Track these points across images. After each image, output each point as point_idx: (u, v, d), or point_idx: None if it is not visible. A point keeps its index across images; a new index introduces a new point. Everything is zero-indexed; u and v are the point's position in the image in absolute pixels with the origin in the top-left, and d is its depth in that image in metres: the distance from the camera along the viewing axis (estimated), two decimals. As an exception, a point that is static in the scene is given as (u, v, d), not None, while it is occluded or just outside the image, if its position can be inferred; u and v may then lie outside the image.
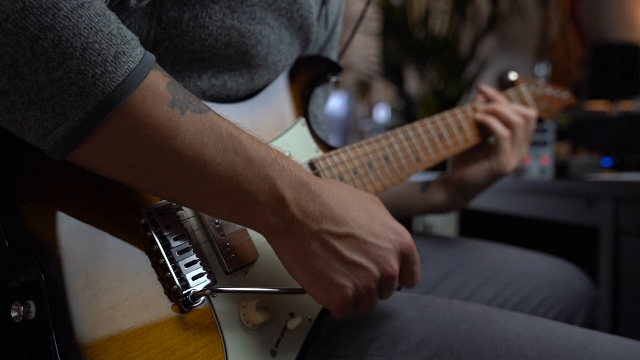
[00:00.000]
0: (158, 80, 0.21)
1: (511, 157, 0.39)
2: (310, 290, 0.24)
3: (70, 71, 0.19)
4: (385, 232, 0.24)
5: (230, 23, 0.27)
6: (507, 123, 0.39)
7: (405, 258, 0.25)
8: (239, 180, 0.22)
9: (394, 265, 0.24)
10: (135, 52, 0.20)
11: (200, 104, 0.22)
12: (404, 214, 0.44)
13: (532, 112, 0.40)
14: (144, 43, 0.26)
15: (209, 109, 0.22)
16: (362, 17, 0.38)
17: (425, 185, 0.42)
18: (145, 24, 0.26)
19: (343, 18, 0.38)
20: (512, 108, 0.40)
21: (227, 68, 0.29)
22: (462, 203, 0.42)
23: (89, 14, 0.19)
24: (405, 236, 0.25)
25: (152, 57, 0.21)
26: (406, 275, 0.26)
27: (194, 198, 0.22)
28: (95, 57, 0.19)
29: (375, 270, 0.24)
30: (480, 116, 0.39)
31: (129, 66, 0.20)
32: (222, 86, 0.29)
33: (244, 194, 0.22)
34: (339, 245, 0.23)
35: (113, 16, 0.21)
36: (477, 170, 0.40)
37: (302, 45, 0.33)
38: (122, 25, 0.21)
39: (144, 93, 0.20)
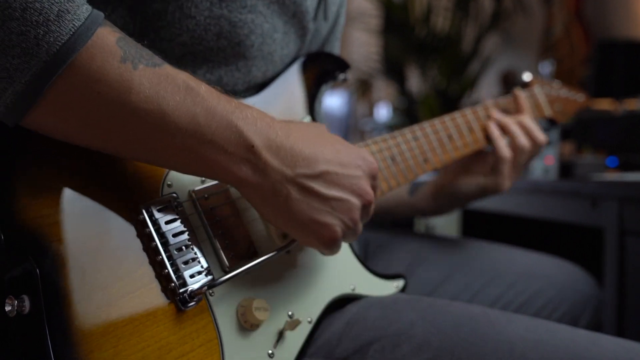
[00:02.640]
0: (107, 37, 0.20)
1: (507, 179, 0.38)
2: (298, 235, 0.24)
3: (10, 33, 0.18)
4: (353, 160, 0.25)
5: (219, 12, 0.26)
6: (514, 145, 0.38)
7: (373, 178, 0.26)
8: (202, 132, 0.21)
9: (369, 189, 0.25)
10: (81, 9, 0.20)
11: (153, 57, 0.22)
12: (389, 218, 0.43)
13: (543, 139, 0.39)
14: (130, 37, 0.26)
15: (164, 62, 0.22)
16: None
17: (413, 189, 0.42)
18: (129, 18, 0.25)
19: (345, 10, 0.38)
20: (526, 128, 0.38)
21: (222, 62, 0.28)
22: (448, 211, 0.42)
23: None
24: (369, 157, 0.25)
25: (99, 15, 0.21)
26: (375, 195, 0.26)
27: (158, 154, 0.22)
28: (36, 17, 0.18)
29: (355, 199, 0.24)
30: (489, 126, 0.38)
31: (73, 24, 0.19)
32: (218, 81, 0.28)
33: (209, 145, 0.21)
34: (316, 185, 0.23)
35: None
36: (469, 184, 0.39)
37: (299, 35, 0.32)
38: None
39: (92, 50, 0.20)
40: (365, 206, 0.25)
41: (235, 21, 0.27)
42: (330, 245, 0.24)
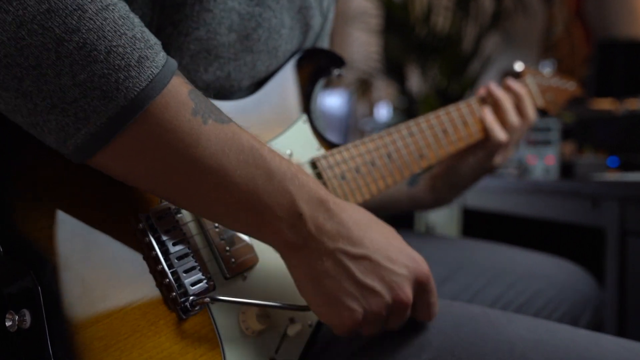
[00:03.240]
0: (180, 87, 0.21)
1: (498, 157, 0.39)
2: (318, 310, 0.23)
3: (93, 75, 0.19)
4: (402, 258, 0.24)
5: (231, 5, 0.26)
6: (506, 123, 0.38)
7: (420, 287, 0.24)
8: (258, 194, 0.22)
9: (408, 292, 0.23)
10: (159, 56, 0.20)
11: (221, 114, 0.22)
12: (389, 211, 0.43)
13: (532, 116, 0.39)
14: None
15: (230, 120, 0.22)
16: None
17: (413, 180, 0.42)
18: (148, 9, 0.25)
19: (335, 5, 0.37)
20: (520, 102, 0.38)
21: (232, 58, 0.28)
22: (449, 199, 0.42)
23: (114, 16, 0.19)
24: (422, 264, 0.24)
25: (174, 63, 0.21)
26: (422, 306, 0.25)
27: (212, 208, 0.22)
28: (119, 61, 0.19)
29: (387, 296, 0.23)
30: (484, 114, 0.38)
31: (152, 71, 0.20)
32: (227, 77, 0.29)
33: (262, 207, 0.22)
34: (353, 266, 0.23)
35: (137, 19, 0.20)
36: (462, 166, 0.39)
37: (302, 31, 0.32)
38: (145, 29, 0.20)
39: (166, 99, 0.20)
40: (397, 307, 0.23)
41: (243, 13, 0.27)
42: (345, 331, 0.23)
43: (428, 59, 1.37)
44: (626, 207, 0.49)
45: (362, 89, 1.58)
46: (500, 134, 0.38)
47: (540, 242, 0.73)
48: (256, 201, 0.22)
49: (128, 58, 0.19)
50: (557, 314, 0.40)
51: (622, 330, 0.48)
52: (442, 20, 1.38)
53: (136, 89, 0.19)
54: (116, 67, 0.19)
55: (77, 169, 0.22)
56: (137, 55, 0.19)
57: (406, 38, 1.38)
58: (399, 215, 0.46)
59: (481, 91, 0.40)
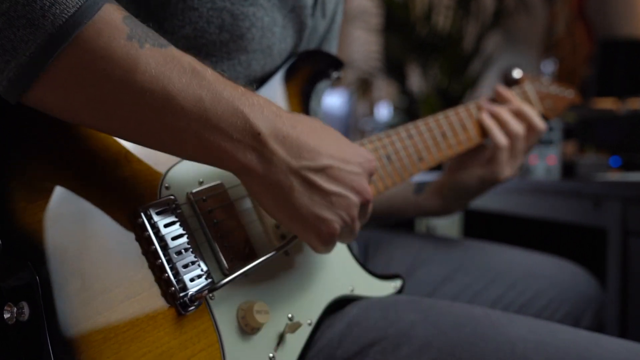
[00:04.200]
0: (114, 13, 0.20)
1: (506, 167, 0.38)
2: (297, 229, 0.24)
3: (17, 3, 0.18)
4: (355, 157, 0.24)
5: (221, 5, 0.26)
6: (507, 132, 0.38)
7: (371, 177, 0.26)
8: (207, 116, 0.21)
9: (368, 188, 0.25)
10: None
11: (159, 38, 0.21)
12: (395, 217, 0.43)
13: (541, 126, 0.38)
14: None
15: (169, 44, 0.21)
16: None
17: (419, 188, 0.42)
18: (133, 9, 0.25)
19: (343, 7, 0.37)
20: (519, 113, 0.38)
21: (224, 57, 0.28)
22: (455, 208, 0.41)
23: None
24: (370, 155, 0.25)
25: None
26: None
27: (161, 137, 0.21)
28: None
29: (354, 197, 0.24)
30: (482, 118, 0.38)
31: None
32: None
33: (214, 130, 0.21)
34: (319, 179, 0.23)
35: None
36: (469, 176, 0.39)
37: (296, 30, 0.32)
38: None
39: (98, 25, 0.19)
40: (364, 205, 0.25)
41: (237, 14, 0.27)
42: (327, 241, 0.24)
43: (429, 58, 1.36)
44: (628, 208, 0.49)
45: (363, 89, 1.58)
46: (500, 137, 0.38)
47: (542, 242, 0.73)
48: (207, 125, 0.20)
49: None
50: (559, 314, 0.40)
51: (624, 330, 0.48)
52: (442, 19, 1.38)
53: (64, 15, 0.18)
54: None
55: (77, 162, 0.21)
56: None
57: (407, 37, 1.38)
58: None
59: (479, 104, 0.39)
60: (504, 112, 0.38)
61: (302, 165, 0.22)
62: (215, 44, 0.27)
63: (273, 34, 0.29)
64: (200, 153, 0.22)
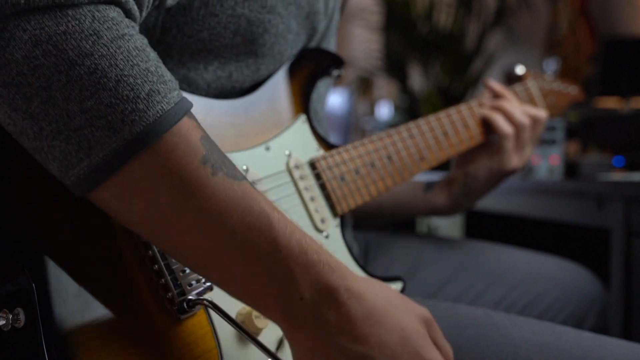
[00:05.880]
0: (192, 130, 0.20)
1: (513, 156, 0.38)
2: None
3: (101, 103, 0.18)
4: (415, 351, 0.21)
5: (240, 11, 0.26)
6: (512, 121, 0.37)
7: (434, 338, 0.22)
8: (256, 264, 0.20)
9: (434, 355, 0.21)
10: (172, 94, 0.19)
11: (235, 170, 0.21)
12: (405, 215, 0.42)
13: (542, 114, 0.39)
14: (151, 31, 0.25)
15: (244, 177, 0.21)
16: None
17: (429, 186, 0.41)
18: (154, 10, 0.25)
19: (340, 4, 0.37)
20: (521, 108, 0.38)
21: (233, 59, 0.28)
22: (465, 206, 0.41)
23: (128, 46, 0.19)
24: (423, 312, 0.22)
25: (188, 103, 0.20)
26: None
27: (205, 266, 0.21)
28: (127, 92, 0.18)
29: None
30: (485, 111, 0.38)
31: (162, 107, 0.19)
32: (228, 77, 0.28)
33: (258, 279, 0.20)
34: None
35: (153, 54, 0.20)
36: (477, 169, 0.38)
37: (308, 35, 0.31)
38: (161, 65, 0.20)
39: (175, 139, 0.19)
40: None
41: (254, 20, 0.27)
42: None
43: (430, 57, 1.35)
44: (632, 208, 0.49)
45: (363, 87, 1.57)
46: (505, 126, 0.37)
47: (544, 242, 0.72)
48: (253, 271, 0.20)
49: (138, 90, 0.18)
50: (562, 315, 0.40)
51: (628, 332, 0.48)
52: (444, 17, 1.37)
53: (143, 122, 0.18)
54: (124, 98, 0.18)
55: None
56: (148, 88, 0.19)
57: (408, 35, 1.37)
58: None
59: (485, 94, 0.39)
60: (506, 104, 0.38)
61: (337, 342, 0.20)
62: (226, 47, 0.27)
63: (286, 41, 0.29)
64: (241, 294, 0.21)
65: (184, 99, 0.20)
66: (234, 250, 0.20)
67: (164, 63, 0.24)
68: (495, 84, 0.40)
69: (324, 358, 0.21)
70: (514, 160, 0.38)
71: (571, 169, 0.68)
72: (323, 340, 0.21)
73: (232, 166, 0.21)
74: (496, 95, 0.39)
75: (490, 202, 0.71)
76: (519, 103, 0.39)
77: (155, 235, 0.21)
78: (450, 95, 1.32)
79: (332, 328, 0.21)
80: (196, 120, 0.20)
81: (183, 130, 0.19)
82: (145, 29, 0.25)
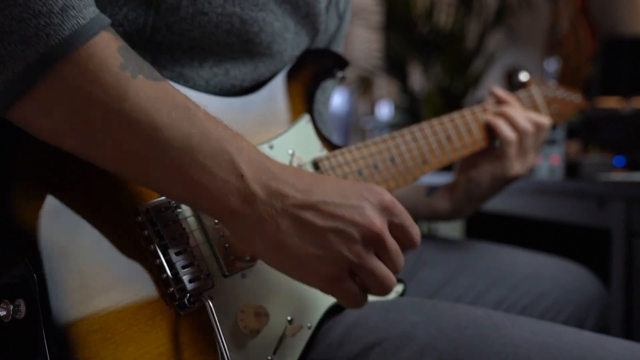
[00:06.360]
0: (109, 42, 0.20)
1: (515, 162, 0.38)
2: (297, 274, 0.22)
3: (11, 19, 0.18)
4: (358, 191, 0.22)
5: (231, 10, 0.26)
6: (515, 127, 0.37)
7: (387, 212, 0.22)
8: (193, 153, 0.20)
9: (373, 219, 0.22)
10: (87, 10, 0.19)
11: (154, 72, 0.21)
12: None
13: (545, 121, 0.38)
14: (141, 32, 0.25)
15: (164, 79, 0.21)
16: None
17: (431, 190, 0.41)
18: (142, 11, 0.25)
19: (351, 6, 0.37)
20: (524, 114, 0.38)
21: (228, 56, 0.28)
22: (468, 211, 0.40)
23: None
24: (381, 190, 0.23)
25: (106, 19, 0.20)
26: (398, 232, 0.23)
27: (145, 171, 0.21)
28: (39, 7, 0.18)
29: (353, 230, 0.21)
30: (488, 117, 0.38)
31: (77, 21, 0.19)
32: (225, 74, 0.28)
33: (200, 169, 0.20)
34: (310, 215, 0.21)
35: None
36: (480, 174, 0.38)
37: (310, 36, 0.32)
38: None
39: (91, 50, 0.19)
40: (370, 238, 0.21)
41: (246, 19, 0.26)
42: (333, 285, 0.21)
43: (430, 57, 1.35)
44: (633, 208, 0.49)
45: (363, 87, 1.57)
46: (508, 131, 0.37)
47: (545, 243, 0.72)
48: (193, 162, 0.20)
49: (51, 5, 0.18)
50: (562, 316, 0.40)
51: (628, 332, 0.48)
52: (444, 17, 1.37)
53: (58, 36, 0.18)
54: (37, 12, 0.18)
55: (77, 160, 0.21)
56: (62, 3, 0.18)
57: (408, 35, 1.37)
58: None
59: (489, 99, 0.39)
60: (510, 110, 0.38)
61: (288, 203, 0.21)
62: (220, 45, 0.27)
63: (284, 40, 0.29)
64: (183, 191, 0.21)
65: (101, 15, 0.20)
66: (167, 145, 0.20)
67: (157, 61, 0.25)
68: (499, 90, 0.40)
69: (287, 228, 0.21)
70: (516, 166, 0.37)
71: (572, 168, 0.68)
72: (277, 211, 0.21)
73: (152, 69, 0.21)
74: (500, 101, 0.39)
75: (491, 202, 0.70)
76: (522, 109, 0.39)
77: (82, 148, 0.20)
78: (450, 95, 1.32)
79: (278, 195, 0.21)
80: (115, 35, 0.20)
81: (100, 43, 0.19)
82: (135, 30, 0.25)
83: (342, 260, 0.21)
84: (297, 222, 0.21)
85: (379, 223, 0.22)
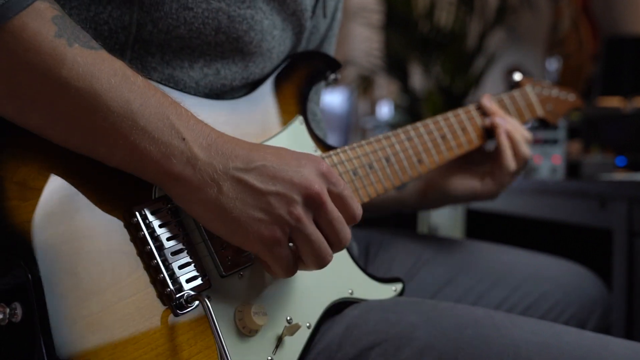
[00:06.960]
0: (44, 11, 0.20)
1: (503, 188, 0.38)
2: (236, 238, 0.22)
3: None
4: (297, 158, 0.23)
5: (216, 6, 0.26)
6: (517, 152, 0.37)
7: (326, 179, 0.23)
8: (134, 118, 0.20)
9: (313, 181, 0.22)
10: None
11: (91, 41, 0.21)
12: (375, 214, 0.42)
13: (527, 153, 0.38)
14: (127, 29, 0.25)
15: (101, 47, 0.22)
16: None
17: (401, 185, 0.41)
18: (127, 8, 0.25)
19: (342, 4, 0.37)
20: (525, 136, 0.37)
21: (219, 56, 0.27)
22: (437, 207, 0.41)
23: None
24: (319, 159, 0.23)
25: None
26: (338, 203, 0.23)
27: (87, 138, 0.21)
28: None
29: (293, 192, 0.22)
30: (498, 133, 0.37)
31: None
32: (216, 75, 0.28)
33: (141, 133, 0.21)
34: (251, 178, 0.21)
35: None
36: (461, 185, 0.38)
37: (295, 32, 0.31)
38: None
39: (25, 19, 0.20)
40: (311, 200, 0.22)
41: (234, 16, 0.26)
42: (271, 249, 0.21)
43: (431, 56, 1.35)
44: (634, 208, 0.48)
45: (363, 87, 1.56)
46: (511, 162, 0.37)
47: (546, 243, 0.72)
48: (133, 127, 0.20)
49: None
50: (564, 316, 0.40)
51: (630, 332, 0.48)
52: (445, 16, 1.36)
53: None
54: None
55: (70, 162, 0.21)
56: None
57: (409, 34, 1.37)
58: (402, 216, 0.45)
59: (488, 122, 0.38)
60: (516, 133, 0.37)
61: (230, 166, 0.21)
62: (210, 44, 0.27)
63: (273, 38, 0.29)
64: (125, 157, 0.21)
65: None
66: (107, 111, 0.20)
67: (146, 62, 0.24)
68: (490, 104, 0.38)
69: (228, 190, 0.21)
70: (501, 191, 0.38)
71: (573, 168, 0.68)
72: (218, 173, 0.21)
73: (89, 38, 0.21)
74: (487, 114, 0.39)
75: (491, 202, 0.71)
76: (519, 126, 0.38)
77: (25, 115, 0.20)
78: (451, 94, 1.32)
79: (219, 157, 0.21)
80: (52, 4, 0.21)
81: (33, 12, 0.20)
82: (121, 27, 0.25)
83: (282, 222, 0.22)
84: (238, 184, 0.21)
85: (318, 185, 0.22)
